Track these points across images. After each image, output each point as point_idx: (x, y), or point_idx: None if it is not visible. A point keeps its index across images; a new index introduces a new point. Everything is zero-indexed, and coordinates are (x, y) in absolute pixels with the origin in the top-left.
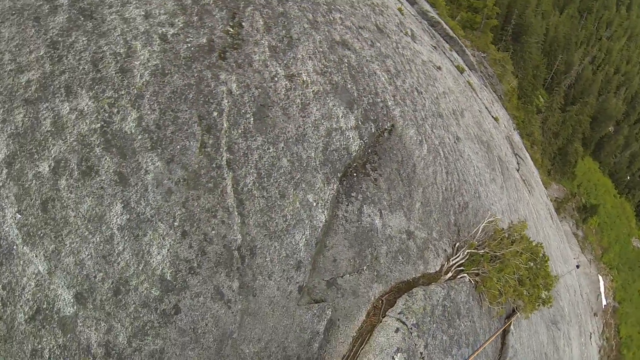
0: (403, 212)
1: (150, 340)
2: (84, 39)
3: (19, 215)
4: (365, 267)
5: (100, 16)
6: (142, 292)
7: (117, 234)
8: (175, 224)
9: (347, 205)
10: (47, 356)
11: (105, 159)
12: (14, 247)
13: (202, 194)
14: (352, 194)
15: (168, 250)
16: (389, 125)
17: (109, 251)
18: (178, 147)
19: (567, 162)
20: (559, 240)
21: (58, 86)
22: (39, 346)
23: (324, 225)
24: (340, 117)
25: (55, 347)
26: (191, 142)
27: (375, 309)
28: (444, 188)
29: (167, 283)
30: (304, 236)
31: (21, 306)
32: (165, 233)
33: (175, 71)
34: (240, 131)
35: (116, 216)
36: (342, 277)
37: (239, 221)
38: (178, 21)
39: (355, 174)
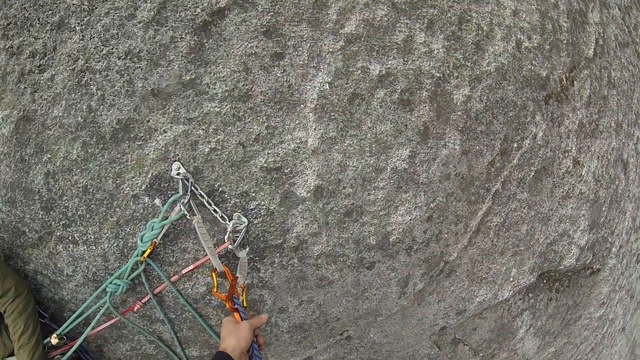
0: (541, 343)
1: (329, 269)
2: None
3: (327, 86)
4: None
5: None
6: (363, 233)
7: (387, 175)
8: (431, 205)
9: (519, 300)
10: (252, 207)
11: (424, 106)
12: (302, 105)
13: (463, 200)
14: (530, 294)
15: (410, 219)
16: (597, 267)
17: (371, 179)
18: (477, 147)
19: None
20: None
21: (422, 16)
22: (252, 193)
23: (499, 302)
24: (579, 229)
25: (263, 208)
26: (487, 151)
27: None
28: (577, 355)
29: (386, 245)
30: (483, 296)
31: (263, 156)
32: (414, 204)
33: (512, 82)
34: (519, 176)
35: (398, 160)
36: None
37: (464, 244)
38: (534, 38)
39: (543, 283)
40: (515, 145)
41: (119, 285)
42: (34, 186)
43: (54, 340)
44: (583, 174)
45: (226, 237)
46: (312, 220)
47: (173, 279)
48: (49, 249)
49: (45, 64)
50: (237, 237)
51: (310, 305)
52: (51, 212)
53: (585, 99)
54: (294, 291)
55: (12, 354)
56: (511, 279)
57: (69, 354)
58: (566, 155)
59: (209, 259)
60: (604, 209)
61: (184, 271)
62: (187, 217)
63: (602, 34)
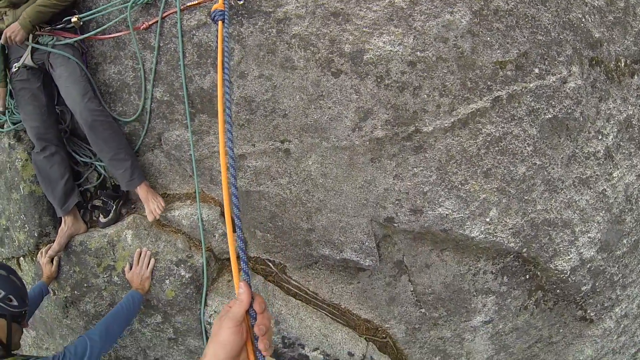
0: (492, 355)
1: (298, 53)
2: None
3: None
4: None
5: None
6: (342, 37)
7: (384, 3)
8: (418, 54)
9: (490, 274)
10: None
11: None
12: None
13: (456, 75)
14: (505, 278)
15: (391, 50)
16: (591, 315)
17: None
18: (487, 38)
19: None
20: None
21: None
22: None
23: (465, 239)
24: (587, 234)
25: None
26: (498, 48)
27: None
28: None
29: (359, 60)
30: (447, 210)
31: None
32: (400, 41)
33: (551, 12)
34: (532, 105)
35: None
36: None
37: (445, 126)
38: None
39: (525, 278)
40: (536, 70)
41: None
42: None
43: (74, 19)
44: (615, 176)
45: None
46: (303, 5)
47: (183, 7)
48: None
49: None
50: None
51: (267, 82)
52: None
53: None
54: (260, 61)
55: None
56: (488, 219)
57: (76, 38)
58: (599, 137)
59: None
60: (625, 241)
61: (189, 3)
62: None
63: None
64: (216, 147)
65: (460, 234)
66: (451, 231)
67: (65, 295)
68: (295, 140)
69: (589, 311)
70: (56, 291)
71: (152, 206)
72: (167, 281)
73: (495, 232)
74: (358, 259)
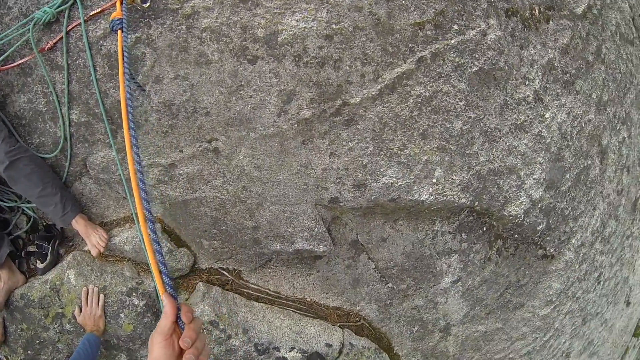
0: (468, 311)
1: (211, 47)
2: None
3: None
4: None
5: None
6: (253, 22)
7: None
8: (333, 26)
9: (448, 234)
10: None
11: None
12: None
13: (376, 43)
14: (463, 235)
15: (304, 27)
16: (551, 251)
17: None
18: (402, 1)
19: None
20: None
21: None
22: None
23: (415, 203)
24: (532, 176)
25: None
26: (414, 10)
27: None
28: (510, 353)
29: (273, 43)
30: (392, 179)
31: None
32: (313, 16)
33: None
34: (457, 60)
35: None
36: None
37: (372, 94)
38: None
39: (482, 231)
40: (455, 27)
41: (47, 13)
42: None
43: None
44: (547, 117)
45: None
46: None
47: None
48: None
49: None
50: None
51: (184, 82)
52: None
53: (560, 45)
54: (174, 61)
55: None
56: (434, 180)
57: None
58: (526, 83)
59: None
60: (568, 176)
61: (92, 13)
62: None
63: (597, 6)
64: (144, 161)
65: (410, 200)
66: (399, 199)
67: (20, 359)
68: (222, 137)
69: (548, 248)
70: (9, 357)
71: (93, 240)
72: (121, 314)
73: (445, 192)
74: (311, 246)
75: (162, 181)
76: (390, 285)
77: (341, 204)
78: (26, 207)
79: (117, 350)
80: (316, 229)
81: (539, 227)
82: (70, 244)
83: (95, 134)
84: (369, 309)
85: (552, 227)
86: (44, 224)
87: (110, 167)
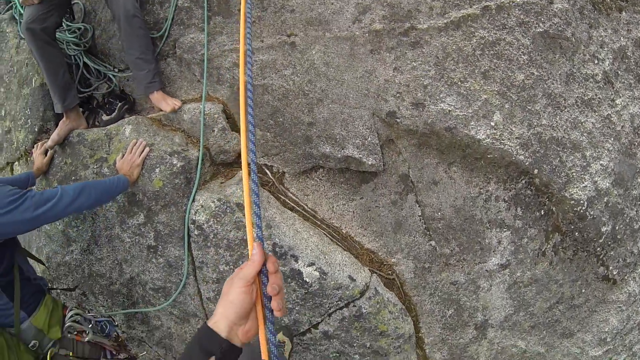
0: (510, 313)
1: None
2: None
3: None
4: None
5: None
6: None
7: None
8: None
9: (503, 203)
10: None
11: None
12: None
13: None
14: (519, 210)
15: None
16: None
17: None
18: None
19: None
20: None
21: None
22: None
23: (471, 139)
24: (599, 161)
25: None
26: None
27: None
28: None
29: None
30: (450, 106)
31: None
32: None
33: None
34: (522, 17)
35: None
36: None
37: (439, 26)
38: None
39: (540, 214)
40: None
41: None
42: None
43: None
44: (618, 103)
45: None
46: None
47: None
48: None
49: None
50: None
51: None
52: None
53: (634, 37)
54: None
55: None
56: (493, 124)
57: None
58: (595, 62)
59: None
60: (639, 180)
61: None
62: None
63: None
64: (227, 46)
65: (466, 135)
66: (456, 130)
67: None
68: (301, 33)
69: (611, 268)
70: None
71: (169, 101)
72: (157, 170)
73: (502, 139)
74: (361, 156)
75: (236, 64)
76: (433, 243)
77: (398, 120)
78: (112, 75)
79: (138, 207)
80: (369, 139)
81: (604, 229)
82: (136, 113)
83: (192, 18)
84: (404, 265)
85: (618, 237)
86: (121, 90)
87: (195, 47)
